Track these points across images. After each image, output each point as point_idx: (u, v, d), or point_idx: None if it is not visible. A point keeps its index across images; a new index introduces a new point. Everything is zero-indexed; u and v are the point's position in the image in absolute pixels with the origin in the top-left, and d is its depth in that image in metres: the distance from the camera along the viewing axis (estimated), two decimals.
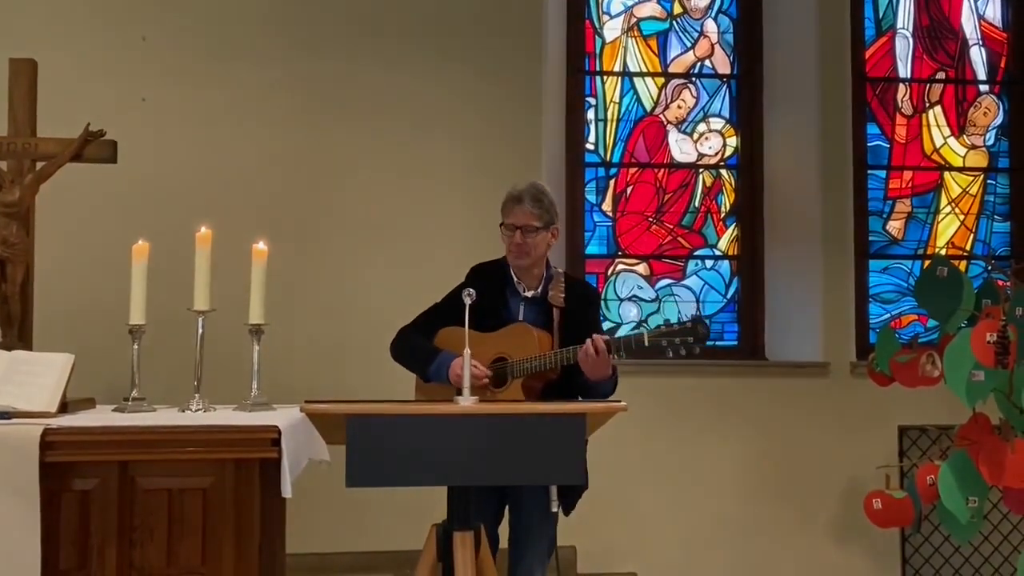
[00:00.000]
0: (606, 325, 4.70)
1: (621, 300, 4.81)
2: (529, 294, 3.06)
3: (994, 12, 5.10)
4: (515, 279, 3.06)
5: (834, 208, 4.72)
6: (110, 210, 4.06)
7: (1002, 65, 5.09)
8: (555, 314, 3.01)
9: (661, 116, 4.91)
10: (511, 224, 3.00)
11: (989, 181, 5.07)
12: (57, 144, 3.03)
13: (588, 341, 2.80)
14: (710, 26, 4.97)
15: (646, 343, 2.79)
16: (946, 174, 5.04)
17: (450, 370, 2.90)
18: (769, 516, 4.54)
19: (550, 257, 3.14)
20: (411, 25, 4.43)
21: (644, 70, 4.91)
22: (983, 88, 5.08)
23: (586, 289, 3.25)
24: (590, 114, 4.85)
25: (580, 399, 2.99)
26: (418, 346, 3.04)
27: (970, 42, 5.08)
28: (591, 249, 4.81)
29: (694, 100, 4.93)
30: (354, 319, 4.23)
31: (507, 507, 3.04)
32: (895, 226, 4.99)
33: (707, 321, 2.82)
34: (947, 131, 5.04)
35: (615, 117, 4.87)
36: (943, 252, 4.94)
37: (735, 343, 4.86)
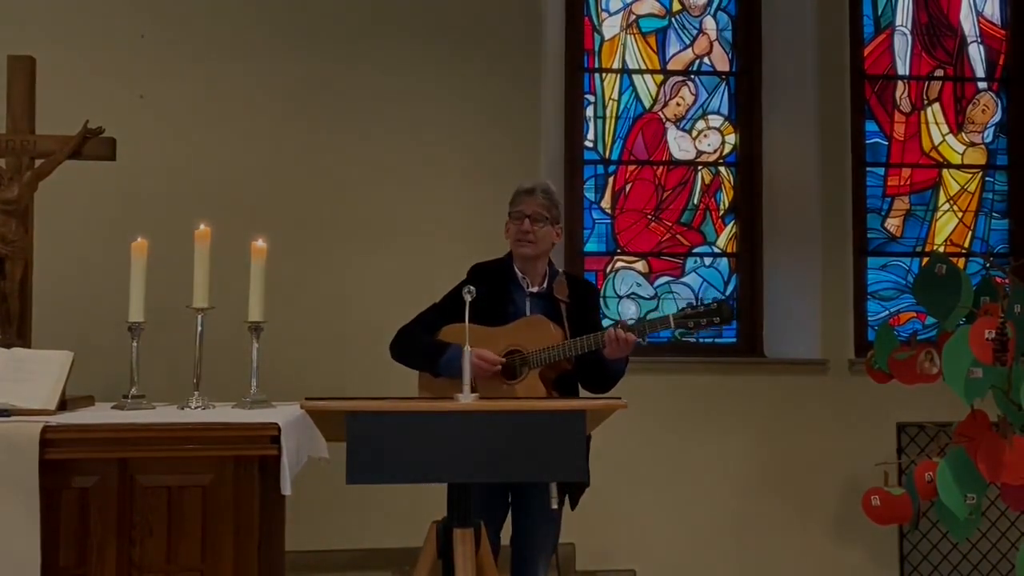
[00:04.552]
0: (605, 323, 4.69)
1: (620, 297, 4.81)
2: (535, 289, 3.06)
3: (993, 9, 5.11)
4: (520, 275, 3.07)
5: (833, 205, 4.73)
6: (109, 207, 4.06)
7: (1000, 62, 5.09)
8: (562, 309, 3.02)
9: (660, 113, 4.91)
10: (520, 212, 3.02)
11: (987, 178, 5.07)
12: (56, 141, 3.02)
13: (614, 327, 2.84)
14: (709, 23, 4.97)
15: (672, 325, 2.85)
16: (944, 171, 5.04)
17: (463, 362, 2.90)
18: (768, 513, 4.55)
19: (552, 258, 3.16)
20: (410, 23, 4.43)
21: (643, 67, 4.91)
22: (981, 85, 5.09)
23: (588, 286, 3.28)
24: (589, 111, 4.85)
25: (589, 381, 3.04)
26: (425, 342, 3.02)
27: (969, 39, 5.08)
28: (590, 246, 4.81)
29: (693, 97, 4.93)
30: (353, 316, 4.23)
31: (511, 505, 3.03)
32: (894, 223, 4.99)
33: (730, 304, 2.88)
34: (945, 128, 5.05)
35: (614, 114, 4.87)
36: (942, 249, 4.94)
37: (734, 340, 4.87)
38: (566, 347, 2.89)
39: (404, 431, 2.30)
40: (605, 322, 3.23)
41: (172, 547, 2.51)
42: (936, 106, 5.04)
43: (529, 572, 2.96)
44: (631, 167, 4.87)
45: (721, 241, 4.91)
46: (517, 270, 3.07)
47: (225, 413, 2.74)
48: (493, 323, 2.92)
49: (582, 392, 3.12)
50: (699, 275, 4.88)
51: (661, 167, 4.89)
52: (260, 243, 2.91)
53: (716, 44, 4.97)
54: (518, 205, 3.03)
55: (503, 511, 3.02)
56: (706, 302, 2.88)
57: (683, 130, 4.93)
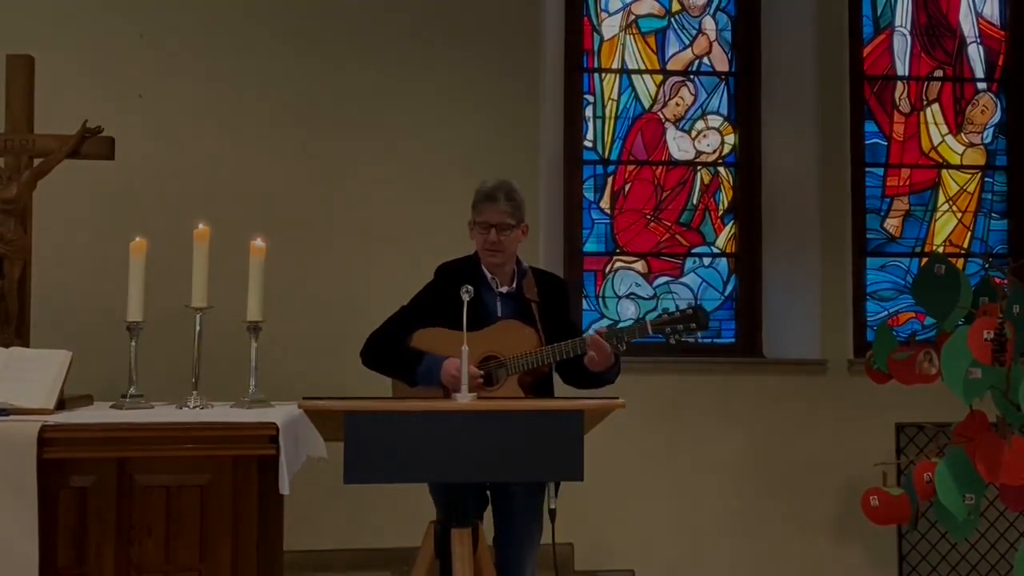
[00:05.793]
0: (604, 323, 4.72)
1: (619, 298, 4.81)
2: (504, 289, 3.05)
3: (992, 10, 5.11)
4: (488, 275, 3.05)
5: (832, 206, 4.73)
6: (107, 207, 4.06)
7: (1000, 63, 5.09)
8: (533, 309, 3.01)
9: (659, 113, 4.91)
10: (485, 222, 2.99)
11: (987, 179, 5.07)
12: (54, 140, 3.03)
13: (590, 337, 2.81)
14: (708, 23, 4.97)
15: (650, 331, 2.85)
16: (944, 172, 5.04)
17: (443, 372, 2.86)
18: (766, 513, 4.55)
19: (532, 254, 3.14)
20: (410, 23, 4.43)
21: (642, 67, 4.91)
22: (981, 86, 5.09)
23: (556, 281, 3.22)
24: (588, 111, 4.85)
25: (574, 384, 3.00)
26: (399, 350, 2.98)
27: (968, 40, 5.08)
28: (589, 246, 4.81)
29: (692, 97, 4.93)
30: (352, 315, 4.19)
31: (493, 503, 3.00)
32: (893, 224, 4.99)
33: (705, 308, 2.87)
34: (945, 129, 5.05)
35: (613, 114, 4.87)
36: (941, 250, 4.94)
37: (733, 341, 4.87)
38: (545, 353, 2.87)
39: (402, 431, 2.31)
40: (598, 319, 3.20)
41: (170, 547, 2.51)
42: (935, 107, 5.04)
43: (516, 571, 2.94)
44: (630, 167, 4.87)
45: (720, 241, 4.91)
46: (485, 270, 3.05)
47: (223, 413, 2.74)
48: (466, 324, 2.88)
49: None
50: (698, 275, 4.88)
51: (660, 167, 4.89)
52: (259, 243, 2.92)
53: (715, 44, 4.97)
54: (482, 214, 2.99)
55: (482, 501, 2.97)
56: (682, 308, 2.86)
57: (682, 130, 4.93)
